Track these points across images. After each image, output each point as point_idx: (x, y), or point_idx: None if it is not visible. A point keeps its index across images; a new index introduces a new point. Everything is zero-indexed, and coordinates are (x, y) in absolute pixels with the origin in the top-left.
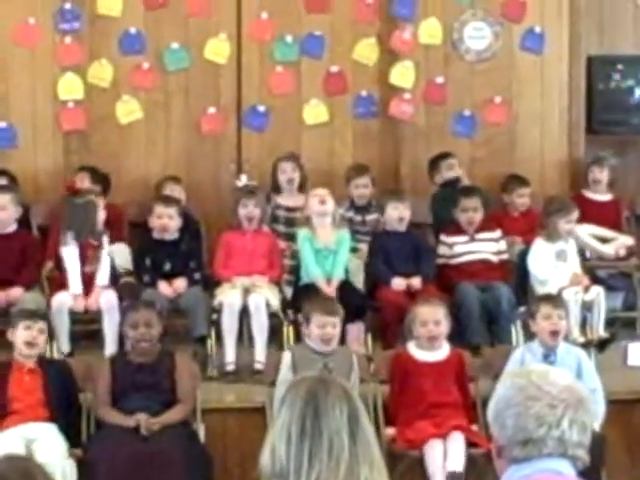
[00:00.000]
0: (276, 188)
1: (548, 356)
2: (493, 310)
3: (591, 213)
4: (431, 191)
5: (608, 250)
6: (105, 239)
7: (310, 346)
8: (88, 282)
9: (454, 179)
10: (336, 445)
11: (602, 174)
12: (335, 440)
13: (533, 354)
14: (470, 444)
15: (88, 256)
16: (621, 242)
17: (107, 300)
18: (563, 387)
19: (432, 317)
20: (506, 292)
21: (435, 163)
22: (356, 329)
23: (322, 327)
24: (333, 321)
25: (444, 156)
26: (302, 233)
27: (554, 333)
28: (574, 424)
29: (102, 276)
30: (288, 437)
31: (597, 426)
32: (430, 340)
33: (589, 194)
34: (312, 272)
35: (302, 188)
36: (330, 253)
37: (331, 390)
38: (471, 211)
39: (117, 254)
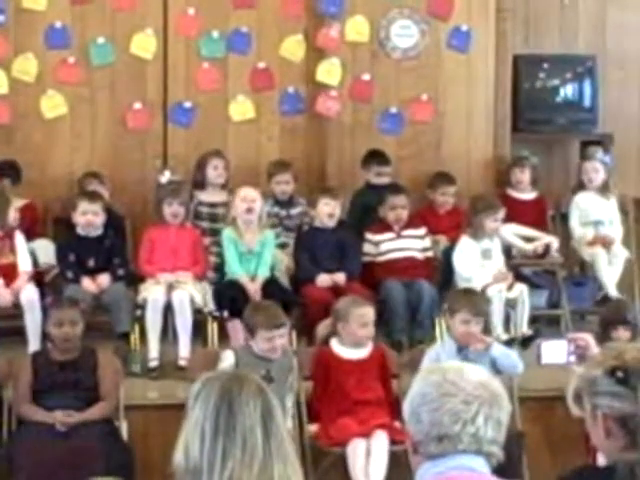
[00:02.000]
0: (200, 184)
1: (461, 350)
2: (415, 307)
3: (516, 212)
4: (358, 188)
5: (527, 247)
6: (17, 232)
7: (254, 350)
8: (7, 274)
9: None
10: (250, 442)
11: (523, 174)
12: (249, 437)
13: (446, 350)
14: (393, 441)
15: None
16: (545, 242)
17: (27, 296)
18: (478, 383)
19: (371, 318)
20: (428, 289)
21: (368, 162)
22: None
23: (270, 341)
24: (281, 333)
25: (379, 160)
26: (226, 233)
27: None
28: (489, 420)
29: (23, 263)
30: (202, 434)
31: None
32: (368, 340)
33: (513, 193)
34: (235, 272)
35: (224, 186)
36: (254, 256)
37: (244, 386)
38: (399, 208)
39: (39, 250)
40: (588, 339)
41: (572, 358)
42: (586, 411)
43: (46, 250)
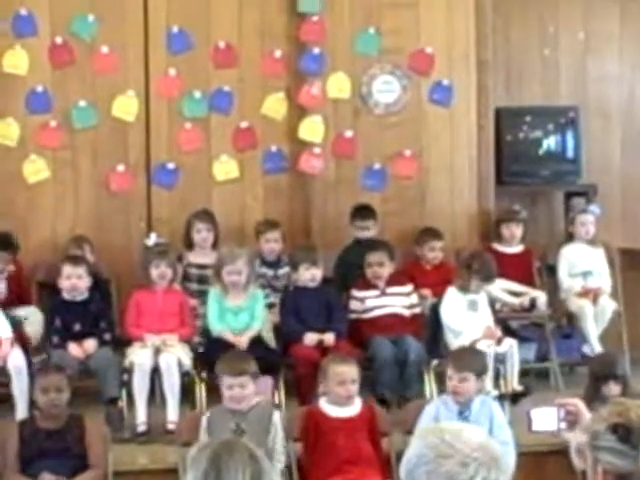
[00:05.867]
0: (189, 245)
1: (462, 412)
2: (403, 363)
3: (503, 265)
4: (342, 245)
5: (514, 301)
6: None
7: (225, 406)
8: None
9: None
10: None
11: (518, 229)
12: None
13: (448, 408)
14: None
15: None
16: (532, 296)
17: (15, 362)
18: (476, 445)
19: (350, 376)
20: (414, 345)
21: (354, 216)
22: (263, 384)
23: (229, 388)
24: (240, 381)
25: (362, 215)
26: (212, 291)
27: (455, 394)
28: None
29: (2, 329)
30: None
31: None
32: (348, 399)
33: (500, 247)
34: (214, 329)
35: (215, 245)
36: (243, 311)
37: (235, 453)
38: (375, 266)
39: (30, 319)
40: (578, 404)
41: (562, 425)
42: (587, 463)
43: (35, 318)
